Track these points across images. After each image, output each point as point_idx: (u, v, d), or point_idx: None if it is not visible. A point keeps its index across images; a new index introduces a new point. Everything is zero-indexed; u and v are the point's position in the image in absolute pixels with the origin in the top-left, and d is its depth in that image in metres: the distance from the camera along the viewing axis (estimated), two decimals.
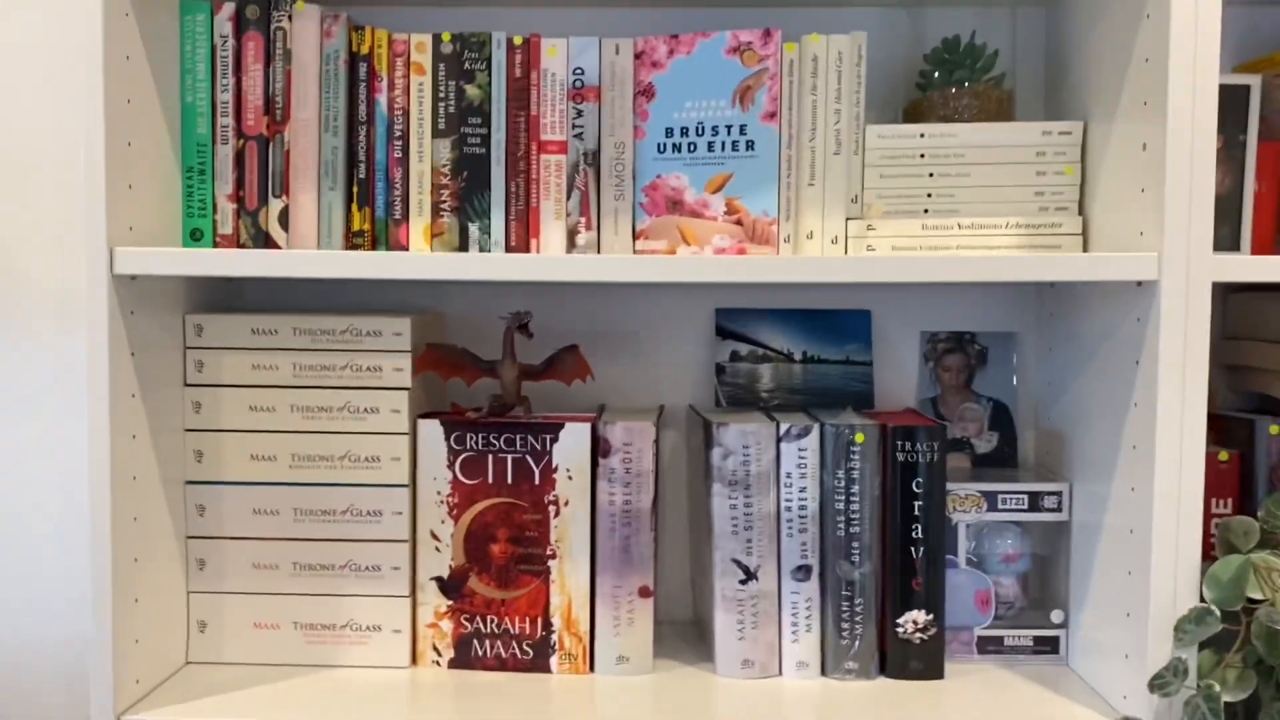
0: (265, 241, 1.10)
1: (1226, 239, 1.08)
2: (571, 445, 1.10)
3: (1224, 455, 1.11)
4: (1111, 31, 1.05)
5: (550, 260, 1.00)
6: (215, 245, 1.10)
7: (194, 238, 1.10)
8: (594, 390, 1.27)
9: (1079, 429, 1.13)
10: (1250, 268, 0.95)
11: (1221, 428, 1.16)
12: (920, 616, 1.09)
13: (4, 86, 1.27)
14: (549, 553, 1.10)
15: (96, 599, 0.99)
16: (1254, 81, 1.08)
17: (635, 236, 1.13)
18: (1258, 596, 0.94)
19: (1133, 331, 1.00)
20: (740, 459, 1.09)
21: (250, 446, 1.11)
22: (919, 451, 1.08)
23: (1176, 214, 0.94)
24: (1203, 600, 0.95)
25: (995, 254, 1.09)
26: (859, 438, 1.08)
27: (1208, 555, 1.03)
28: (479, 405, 1.15)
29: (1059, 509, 1.13)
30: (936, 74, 1.14)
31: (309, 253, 1.01)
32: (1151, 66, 0.96)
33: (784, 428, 1.09)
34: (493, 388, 1.15)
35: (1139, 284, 0.98)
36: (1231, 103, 1.07)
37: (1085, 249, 1.10)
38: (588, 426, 1.10)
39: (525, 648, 1.11)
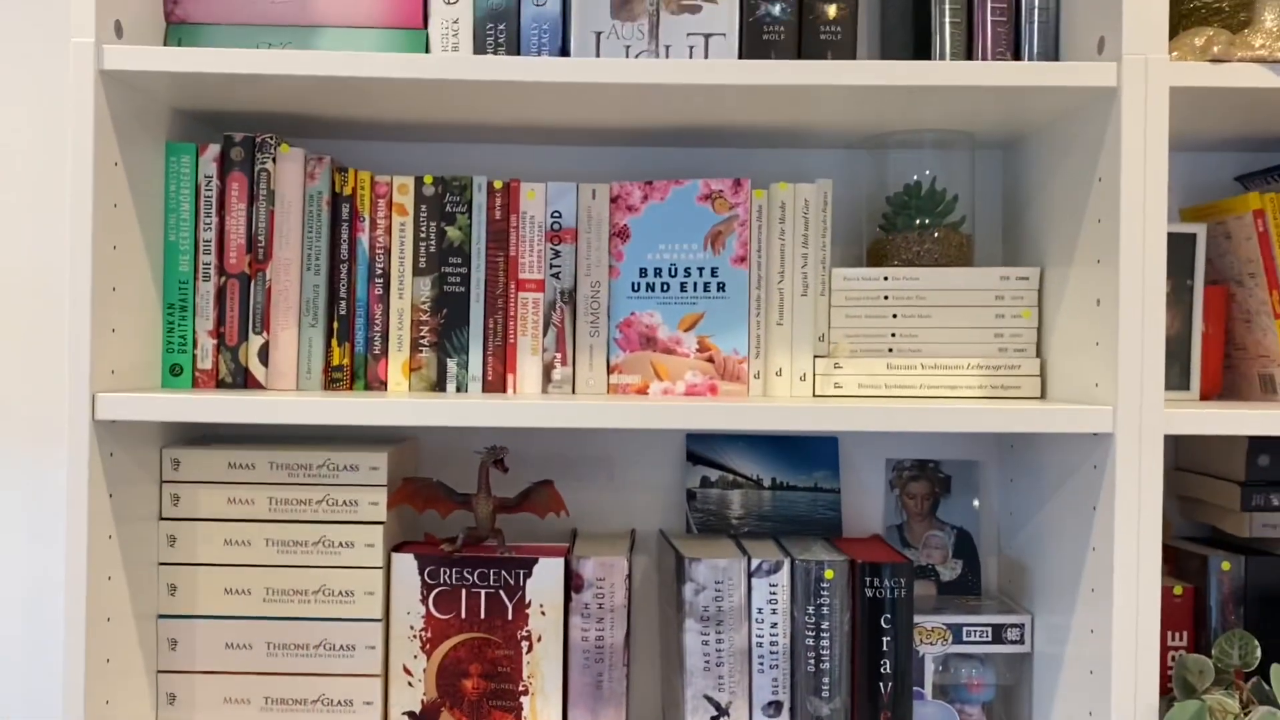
0: (244, 377, 1.11)
1: (1176, 378, 1.13)
2: (545, 580, 1.11)
3: (1178, 589, 1.15)
4: (1065, 187, 1.11)
5: (525, 406, 1.01)
6: (194, 380, 1.11)
7: (173, 373, 1.11)
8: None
9: (1039, 561, 1.16)
10: (1201, 422, 0.99)
11: (1174, 559, 1.20)
12: None
13: None
14: (521, 688, 1.11)
15: None
16: (1199, 230, 1.14)
17: (610, 370, 1.16)
18: None
19: (1089, 478, 1.03)
20: (712, 594, 1.11)
21: (224, 580, 1.11)
22: (887, 587, 1.10)
23: (1130, 370, 0.99)
24: None
25: (957, 394, 1.14)
26: (829, 574, 1.10)
27: (1164, 690, 1.06)
28: (454, 534, 1.17)
29: (1021, 641, 1.16)
30: (899, 218, 1.19)
31: (289, 398, 1.02)
32: (1104, 228, 1.01)
33: (755, 563, 1.11)
34: (467, 519, 1.16)
35: (1095, 434, 1.02)
36: (1179, 249, 1.13)
37: (1043, 390, 1.14)
38: (561, 561, 1.12)
39: None
